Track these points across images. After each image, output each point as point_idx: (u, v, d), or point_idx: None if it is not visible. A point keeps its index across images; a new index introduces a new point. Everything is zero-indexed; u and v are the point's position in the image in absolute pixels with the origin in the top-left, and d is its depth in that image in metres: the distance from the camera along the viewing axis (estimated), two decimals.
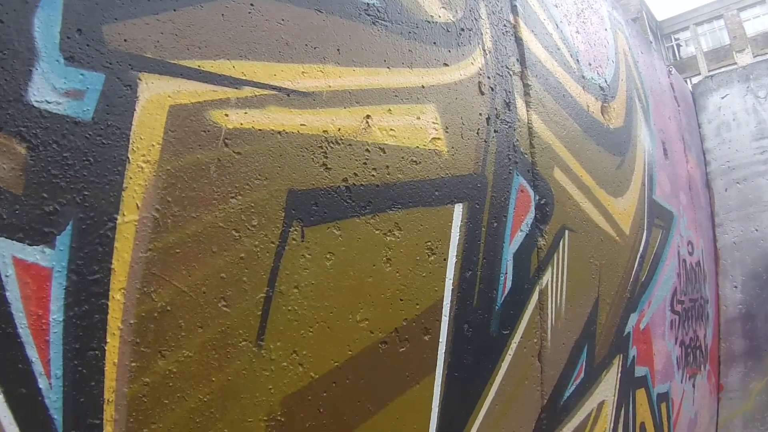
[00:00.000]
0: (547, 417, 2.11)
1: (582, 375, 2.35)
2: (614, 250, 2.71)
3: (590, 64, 2.80)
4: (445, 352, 1.65)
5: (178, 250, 1.13)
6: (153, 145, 1.10)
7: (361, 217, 1.51)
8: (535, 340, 2.08)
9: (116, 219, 1.03)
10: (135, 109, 1.07)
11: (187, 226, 1.16)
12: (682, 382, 3.67)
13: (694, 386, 3.93)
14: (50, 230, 0.94)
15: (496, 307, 1.88)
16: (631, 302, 2.86)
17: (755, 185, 4.74)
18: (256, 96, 1.29)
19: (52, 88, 0.94)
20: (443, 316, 1.66)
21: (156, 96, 1.10)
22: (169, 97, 1.12)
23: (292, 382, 1.32)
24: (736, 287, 4.66)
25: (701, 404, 4.12)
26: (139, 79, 1.08)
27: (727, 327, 4.61)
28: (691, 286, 3.96)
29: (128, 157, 1.05)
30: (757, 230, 4.67)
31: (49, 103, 0.95)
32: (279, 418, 1.29)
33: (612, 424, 2.60)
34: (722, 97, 5.20)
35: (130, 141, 1.06)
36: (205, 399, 1.18)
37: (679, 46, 33.57)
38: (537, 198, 2.17)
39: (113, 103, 1.03)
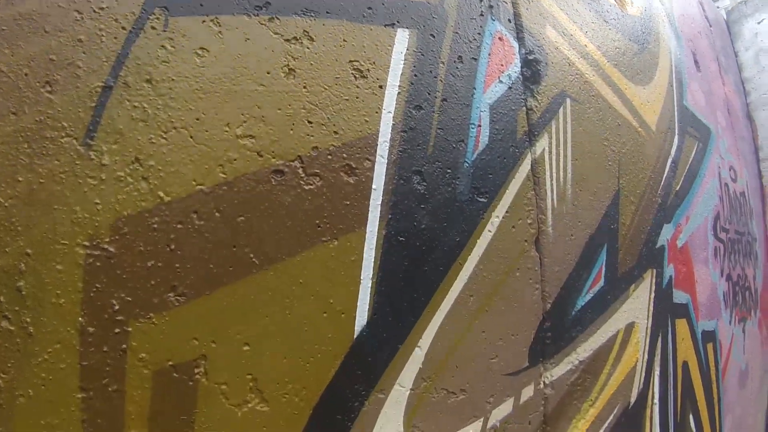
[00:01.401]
0: (553, 328, 1.62)
1: (601, 282, 1.85)
2: (637, 142, 2.19)
3: None
4: (381, 205, 1.20)
5: (4, 27, 0.89)
6: None
7: (254, 16, 1.08)
8: (530, 222, 1.59)
9: None
10: None
11: (20, 4, 0.90)
12: (731, 324, 3.09)
13: (744, 332, 3.34)
14: None
15: (465, 164, 1.41)
16: (663, 210, 2.33)
17: None
18: None
19: None
20: (378, 156, 1.21)
21: None
22: None
23: (130, 200, 0.90)
24: None
25: (752, 355, 3.52)
26: None
27: None
28: (737, 217, 3.37)
29: None
30: None
31: None
32: (106, 246, 0.86)
33: (646, 356, 2.09)
34: (758, 22, 4.55)
35: None
36: (6, 204, 0.79)
37: None
38: (523, 51, 1.69)
39: None
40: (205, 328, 0.98)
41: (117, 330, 0.90)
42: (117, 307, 0.89)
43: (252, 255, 1.04)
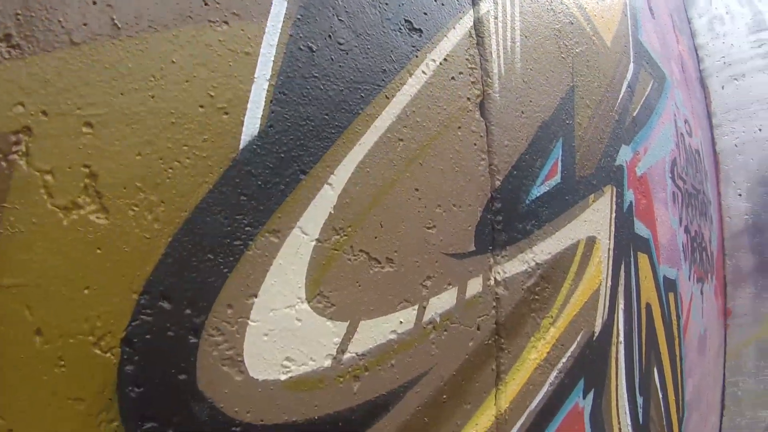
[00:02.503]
0: (504, 212, 1.30)
1: (558, 177, 1.55)
2: (590, 49, 1.95)
3: None
4: (288, 1, 0.86)
5: None
6: None
7: None
8: (473, 80, 1.28)
9: None
10: None
11: None
12: (690, 280, 2.88)
13: (702, 294, 3.15)
14: None
15: None
16: (621, 129, 2.09)
17: (756, 81, 4.05)
18: None
19: None
20: None
21: None
22: None
23: None
24: (740, 195, 3.92)
25: (710, 323, 3.34)
26: None
27: (732, 241, 3.85)
28: (693, 171, 3.21)
29: None
30: (760, 130, 3.96)
31: None
32: None
33: (609, 282, 1.80)
34: None
35: None
36: None
37: None
38: None
39: None
40: (38, 93, 0.60)
41: None
42: None
43: (115, 17, 0.67)
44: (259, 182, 0.81)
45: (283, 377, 0.79)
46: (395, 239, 1.04)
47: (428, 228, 1.12)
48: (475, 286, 1.21)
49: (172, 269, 0.69)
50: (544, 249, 1.44)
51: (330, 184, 0.92)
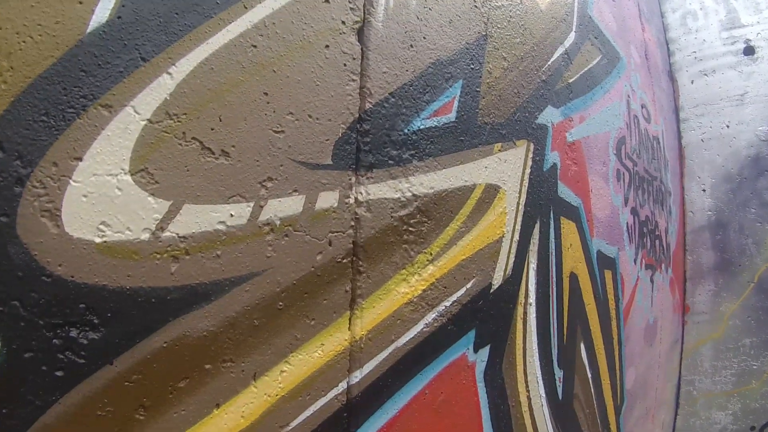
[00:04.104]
0: (374, 134, 1.25)
1: (451, 115, 1.50)
2: (517, 5, 1.90)
3: None
4: None
5: None
6: None
7: None
8: (351, 6, 1.24)
9: None
10: None
11: None
12: (635, 263, 2.81)
13: (652, 282, 3.07)
14: None
15: None
16: (549, 91, 2.03)
17: (725, 77, 4.00)
18: None
19: None
20: None
21: None
22: None
23: None
24: (704, 191, 3.85)
25: (663, 314, 3.26)
26: None
27: (694, 237, 3.78)
28: (648, 156, 3.15)
29: None
30: (728, 126, 3.90)
31: None
32: None
33: (517, 237, 1.73)
34: None
35: None
36: None
37: None
38: None
39: None
40: None
41: None
42: None
43: None
44: (100, 63, 0.83)
45: (97, 240, 0.80)
46: (234, 135, 1.00)
47: (275, 132, 1.07)
48: (328, 199, 1.15)
49: (9, 124, 0.73)
50: (425, 182, 1.38)
51: (170, 74, 0.92)
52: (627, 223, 2.71)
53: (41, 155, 0.76)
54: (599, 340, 2.42)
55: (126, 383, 0.82)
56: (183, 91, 0.92)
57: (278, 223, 1.06)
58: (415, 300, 1.33)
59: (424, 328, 1.36)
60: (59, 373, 0.76)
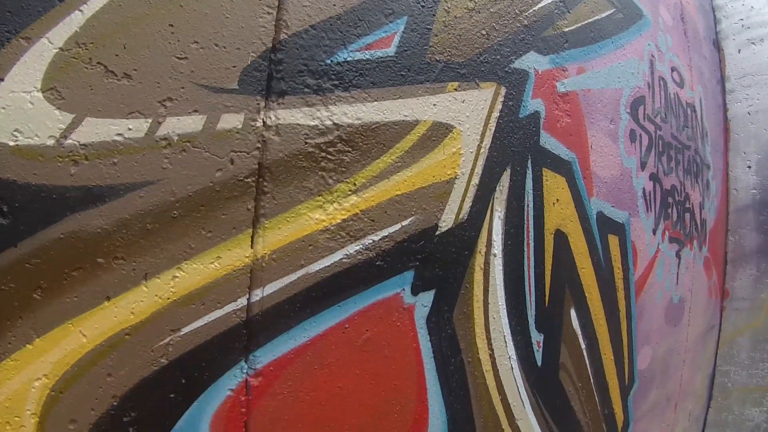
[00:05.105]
0: (288, 63, 1.25)
1: (390, 50, 1.45)
2: None
3: None
4: None
5: None
6: None
7: None
8: None
9: None
10: None
11: None
12: (654, 235, 2.61)
13: (679, 258, 2.83)
14: None
15: None
16: (531, 36, 1.92)
17: None
18: None
19: None
20: None
21: None
22: None
23: None
24: (749, 167, 3.49)
25: (692, 295, 3.00)
26: None
27: (737, 216, 3.44)
28: (678, 124, 2.90)
29: None
30: None
31: None
32: None
33: (476, 181, 1.66)
34: None
35: None
36: None
37: None
38: None
39: None
40: None
41: None
42: None
43: None
44: (22, 4, 0.94)
45: (11, 143, 0.92)
46: (136, 60, 1.08)
47: (179, 58, 1.11)
48: (231, 121, 1.16)
49: None
50: (351, 113, 1.35)
51: (81, 11, 1.01)
52: (644, 188, 2.51)
53: None
54: (598, 309, 2.27)
55: (27, 265, 0.93)
56: (92, 24, 1.02)
57: (176, 138, 1.09)
58: (332, 228, 1.31)
59: (344, 258, 1.34)
60: None
